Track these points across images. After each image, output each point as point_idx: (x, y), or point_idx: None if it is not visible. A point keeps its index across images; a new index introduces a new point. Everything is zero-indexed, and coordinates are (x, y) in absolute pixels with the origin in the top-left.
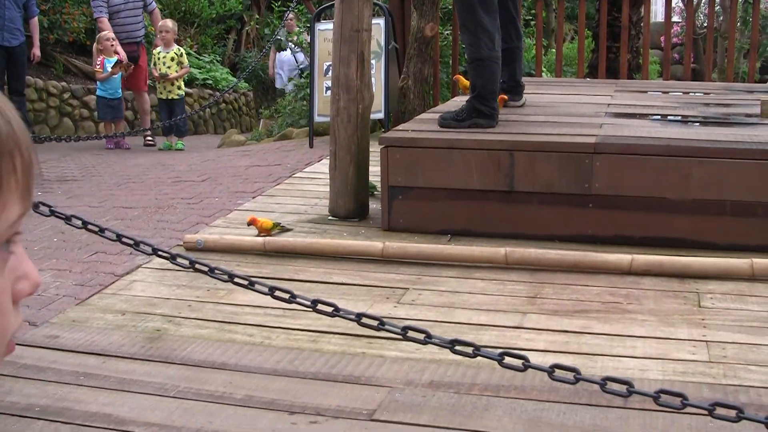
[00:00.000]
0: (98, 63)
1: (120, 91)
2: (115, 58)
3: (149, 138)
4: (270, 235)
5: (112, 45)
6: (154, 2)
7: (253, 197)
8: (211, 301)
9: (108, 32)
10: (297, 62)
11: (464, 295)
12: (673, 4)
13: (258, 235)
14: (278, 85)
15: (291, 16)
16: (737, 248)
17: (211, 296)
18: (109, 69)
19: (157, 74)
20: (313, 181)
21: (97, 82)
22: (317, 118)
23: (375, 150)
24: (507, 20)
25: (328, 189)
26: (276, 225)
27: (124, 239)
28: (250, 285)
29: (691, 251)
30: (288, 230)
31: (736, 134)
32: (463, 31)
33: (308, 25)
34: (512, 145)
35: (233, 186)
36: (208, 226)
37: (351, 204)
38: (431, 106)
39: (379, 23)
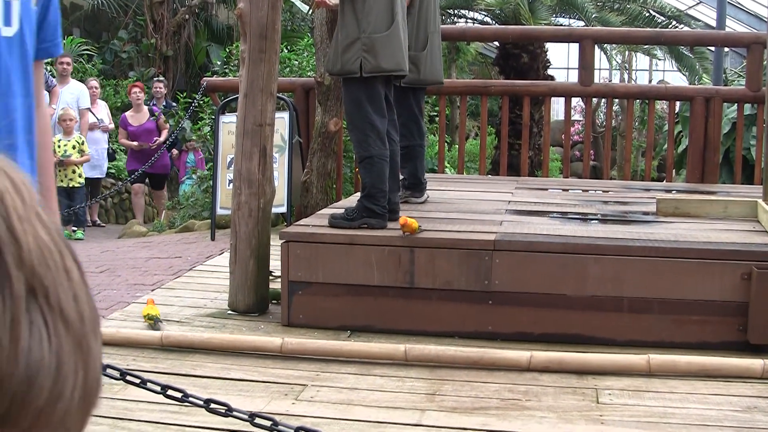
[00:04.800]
0: None
1: None
2: None
3: None
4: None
5: None
6: (53, 80)
7: (152, 290)
8: (105, 397)
9: None
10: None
11: (363, 392)
12: (574, 104)
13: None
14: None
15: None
16: (634, 344)
17: (106, 391)
18: None
19: (55, 159)
20: (213, 274)
21: None
22: (219, 211)
23: (276, 244)
24: (409, 118)
25: (228, 283)
26: (150, 317)
27: None
28: (143, 383)
29: (589, 347)
30: (157, 329)
31: (632, 232)
32: (351, 129)
33: (213, 117)
34: (412, 241)
35: (132, 278)
36: (105, 319)
37: (251, 299)
38: (334, 201)
39: (283, 117)
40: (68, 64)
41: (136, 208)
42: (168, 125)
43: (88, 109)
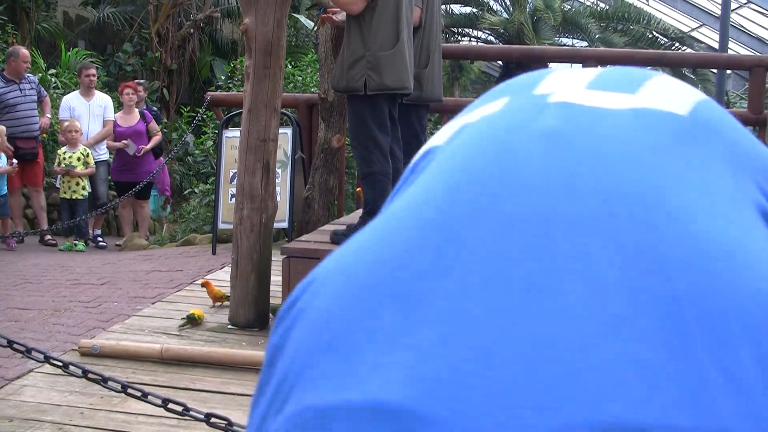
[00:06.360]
0: None
1: (5, 188)
2: (2, 157)
3: (49, 237)
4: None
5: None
6: (44, 91)
7: (153, 303)
8: (104, 409)
9: None
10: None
11: None
12: None
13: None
14: None
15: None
16: None
17: (105, 404)
18: None
19: (60, 169)
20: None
21: None
22: (221, 225)
23: (277, 259)
24: (411, 135)
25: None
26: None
27: (15, 345)
28: (144, 396)
29: None
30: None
31: None
32: (354, 146)
33: (216, 131)
34: None
35: (133, 291)
36: (105, 331)
37: (251, 313)
38: (335, 217)
39: (286, 132)
40: (93, 75)
41: (124, 222)
42: (159, 132)
43: (114, 121)
